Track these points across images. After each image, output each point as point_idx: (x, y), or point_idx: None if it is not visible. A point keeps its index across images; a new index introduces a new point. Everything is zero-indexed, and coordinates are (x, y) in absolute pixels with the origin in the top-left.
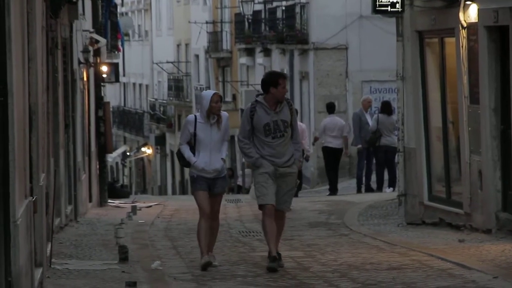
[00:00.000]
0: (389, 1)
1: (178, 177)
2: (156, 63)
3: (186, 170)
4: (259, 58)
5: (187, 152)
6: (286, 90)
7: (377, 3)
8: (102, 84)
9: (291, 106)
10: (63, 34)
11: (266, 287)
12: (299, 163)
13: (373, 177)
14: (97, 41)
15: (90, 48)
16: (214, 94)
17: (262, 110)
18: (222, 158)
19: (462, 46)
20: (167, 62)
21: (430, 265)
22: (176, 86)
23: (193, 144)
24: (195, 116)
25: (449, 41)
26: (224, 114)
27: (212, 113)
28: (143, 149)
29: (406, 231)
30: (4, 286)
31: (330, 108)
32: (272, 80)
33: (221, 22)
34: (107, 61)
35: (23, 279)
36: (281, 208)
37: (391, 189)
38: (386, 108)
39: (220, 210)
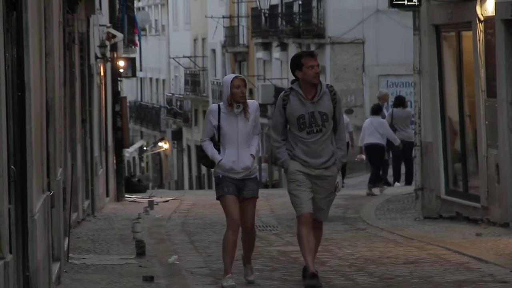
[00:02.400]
0: None
1: (194, 172)
2: (173, 58)
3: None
4: (276, 53)
5: (210, 149)
6: (317, 70)
7: None
8: (119, 79)
9: (334, 95)
10: (80, 29)
11: (283, 282)
12: (340, 165)
13: (390, 171)
14: (114, 36)
15: (107, 43)
16: (235, 77)
17: (296, 100)
18: (251, 154)
19: (479, 40)
20: (184, 56)
21: (447, 259)
22: (193, 80)
23: (217, 140)
24: (219, 105)
25: (466, 34)
26: (252, 102)
27: (235, 101)
28: (160, 143)
29: (423, 225)
30: (22, 280)
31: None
32: (294, 63)
33: (238, 16)
34: (124, 56)
35: (40, 273)
36: (316, 217)
37: (399, 184)
38: (400, 102)
39: (254, 218)
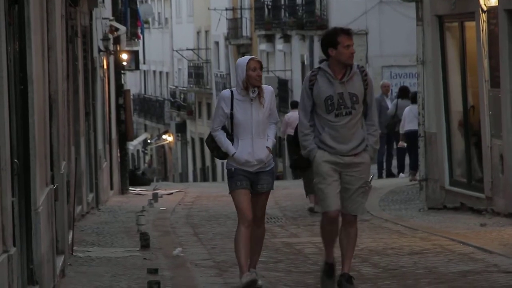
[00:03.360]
0: None
1: (199, 164)
2: (176, 51)
3: (208, 157)
4: (279, 45)
5: (224, 141)
6: (353, 50)
7: None
8: (122, 72)
9: (365, 75)
10: (83, 22)
11: (288, 273)
12: (373, 151)
13: (394, 162)
14: (117, 29)
15: (110, 36)
16: (251, 59)
17: (324, 80)
18: (267, 147)
19: (482, 30)
20: (187, 49)
21: (451, 250)
22: (196, 73)
23: (229, 129)
24: (231, 91)
25: (469, 25)
26: (267, 87)
27: (251, 85)
28: (163, 136)
29: (428, 216)
30: (26, 273)
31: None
32: (329, 40)
33: (241, 8)
34: (127, 49)
35: (45, 266)
36: (349, 211)
37: (404, 175)
38: (405, 93)
39: (265, 214)
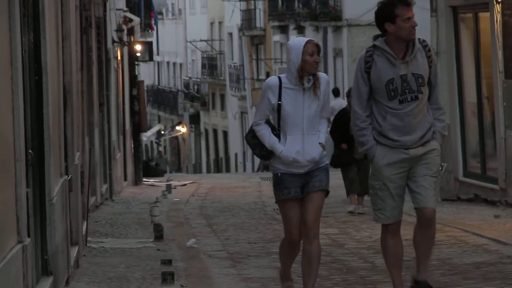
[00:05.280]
0: None
1: (212, 156)
2: (190, 42)
3: (221, 148)
4: (293, 36)
5: (268, 137)
6: (414, 23)
7: None
8: (136, 63)
9: (429, 51)
10: (97, 13)
11: (301, 265)
12: (441, 138)
13: None
14: (130, 20)
15: (124, 27)
16: (308, 41)
17: (383, 60)
18: (320, 143)
19: (497, 21)
20: (201, 40)
21: (465, 241)
22: (210, 64)
23: (276, 123)
24: (279, 78)
25: (484, 16)
26: (323, 76)
27: (307, 71)
28: (177, 127)
29: (441, 207)
30: (41, 264)
31: None
32: (385, 13)
33: None
34: (140, 40)
35: (59, 257)
36: (421, 203)
37: None
38: None
39: (319, 221)
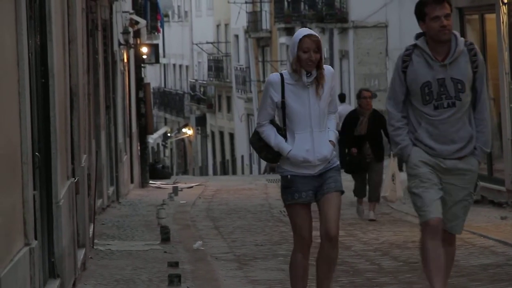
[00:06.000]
0: None
1: (219, 158)
2: (196, 44)
3: (228, 150)
4: None
5: (274, 137)
6: (444, 22)
7: None
8: (142, 65)
9: (475, 55)
10: (103, 15)
11: (310, 267)
12: (482, 155)
13: None
14: (137, 22)
15: (130, 30)
16: (305, 36)
17: (421, 61)
18: (330, 141)
19: (503, 22)
20: (207, 42)
21: (472, 243)
22: (216, 66)
23: (281, 122)
24: (281, 74)
25: (490, 17)
26: (328, 68)
27: (302, 67)
28: (183, 130)
29: None
30: (48, 266)
31: None
32: (418, 11)
33: (260, 1)
34: (147, 42)
35: (66, 260)
36: (447, 228)
37: None
38: None
39: (339, 226)
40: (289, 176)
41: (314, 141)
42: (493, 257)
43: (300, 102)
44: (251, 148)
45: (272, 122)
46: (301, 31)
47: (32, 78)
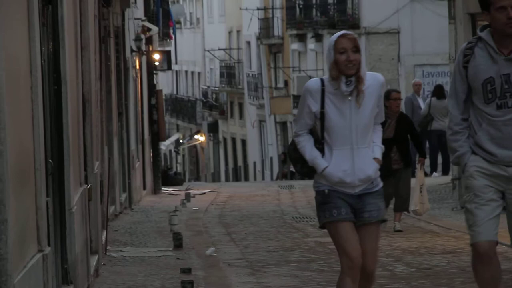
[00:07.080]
0: None
1: (231, 164)
2: (208, 51)
3: (240, 156)
4: (311, 44)
5: (310, 150)
6: (510, 14)
7: None
8: (154, 72)
9: None
10: (115, 22)
11: (321, 273)
12: None
13: (427, 161)
14: (149, 29)
15: (142, 36)
16: (340, 36)
17: (484, 54)
18: (375, 158)
19: None
20: (219, 49)
21: None
22: (228, 73)
23: (319, 134)
24: (322, 80)
25: None
26: (374, 76)
27: (341, 73)
28: (196, 136)
29: (461, 215)
30: (61, 273)
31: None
32: (482, 0)
33: (272, 8)
34: (159, 49)
35: (79, 266)
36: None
37: (437, 174)
38: (439, 92)
39: (376, 258)
40: (326, 191)
41: (355, 160)
42: (506, 263)
43: (340, 113)
44: (263, 154)
45: (312, 132)
46: (336, 34)
47: (45, 85)
